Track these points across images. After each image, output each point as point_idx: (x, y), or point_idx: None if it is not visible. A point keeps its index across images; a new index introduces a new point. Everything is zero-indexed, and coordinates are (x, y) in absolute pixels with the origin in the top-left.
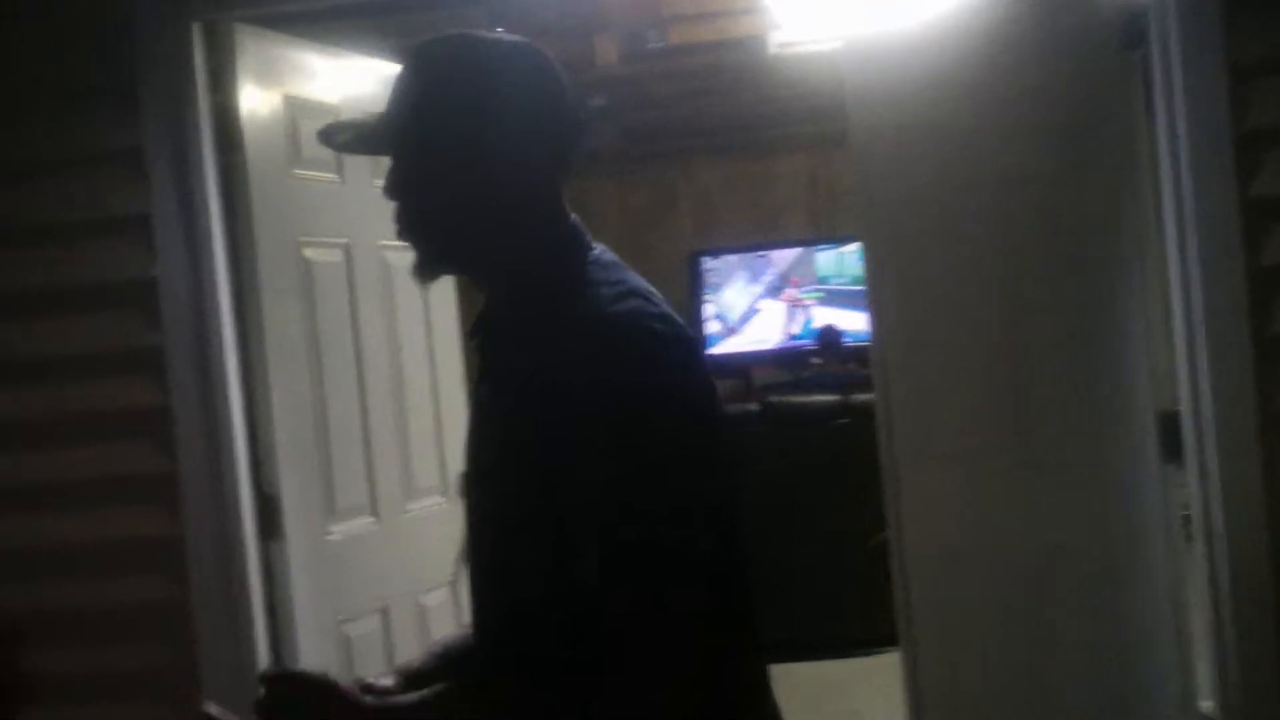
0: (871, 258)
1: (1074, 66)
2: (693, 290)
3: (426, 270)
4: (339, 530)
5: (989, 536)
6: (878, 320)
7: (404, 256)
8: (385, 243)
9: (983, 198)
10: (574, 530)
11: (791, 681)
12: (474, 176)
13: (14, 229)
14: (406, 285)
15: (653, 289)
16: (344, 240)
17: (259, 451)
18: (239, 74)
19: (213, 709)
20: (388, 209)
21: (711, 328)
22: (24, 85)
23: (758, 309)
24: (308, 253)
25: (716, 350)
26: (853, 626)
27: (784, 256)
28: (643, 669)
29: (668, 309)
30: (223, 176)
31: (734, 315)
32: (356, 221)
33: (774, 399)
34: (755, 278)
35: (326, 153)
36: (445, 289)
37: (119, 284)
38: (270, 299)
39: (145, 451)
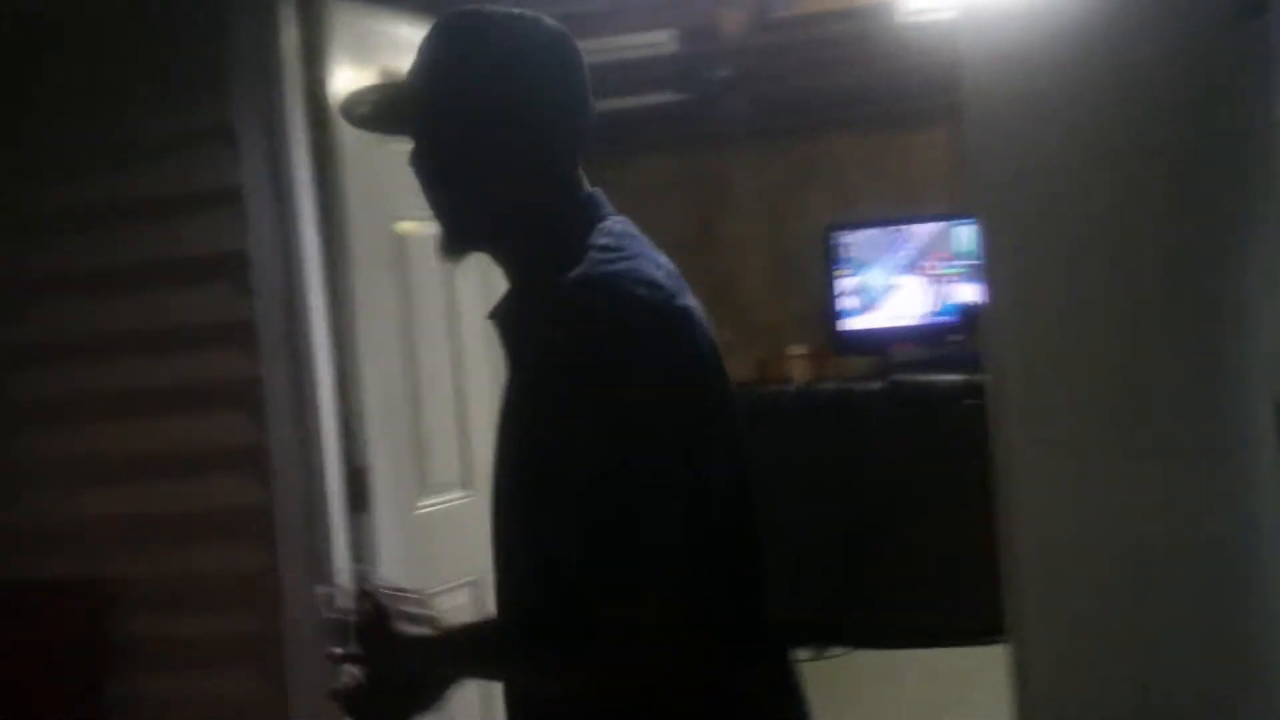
0: (985, 235)
1: (1195, 34)
2: (828, 265)
3: (449, 249)
4: (430, 504)
5: (1101, 526)
6: (992, 300)
7: None
8: None
9: (1100, 172)
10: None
11: (911, 669)
12: (488, 153)
13: (108, 206)
14: None
15: (659, 259)
16: None
17: (348, 424)
18: (332, 48)
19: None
20: None
21: (848, 303)
22: (117, 63)
23: (896, 284)
24: (401, 227)
25: (852, 326)
26: (978, 613)
27: (923, 231)
28: (602, 646)
29: (662, 278)
30: (315, 152)
31: (872, 291)
32: None
33: (899, 378)
34: (893, 253)
35: None
36: None
37: (211, 258)
38: (362, 273)
39: (237, 422)
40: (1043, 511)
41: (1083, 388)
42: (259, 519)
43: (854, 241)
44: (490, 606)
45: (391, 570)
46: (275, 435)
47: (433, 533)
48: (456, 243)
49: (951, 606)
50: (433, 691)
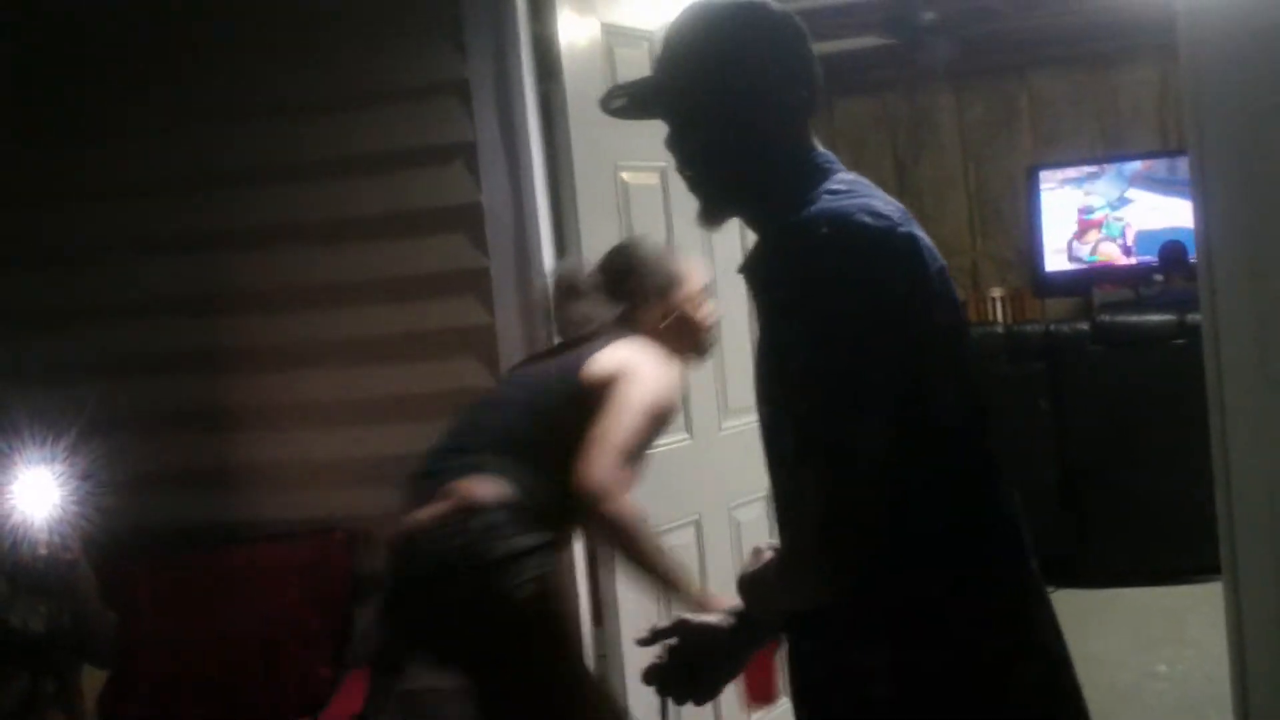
0: (1201, 169)
1: None
2: (1030, 205)
3: (706, 217)
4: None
5: None
6: (1206, 235)
7: None
8: None
9: None
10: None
11: (1122, 606)
12: (728, 132)
13: (350, 160)
14: None
15: (890, 200)
16: (660, 164)
17: None
18: (558, 3)
19: None
20: None
21: (1050, 242)
22: (357, 24)
23: (1098, 225)
24: (624, 176)
25: (1053, 267)
26: (1186, 553)
27: (1127, 170)
28: (802, 555)
29: (888, 210)
30: (542, 104)
31: (1074, 231)
32: None
33: (1106, 318)
34: (1096, 192)
35: None
36: None
37: (447, 209)
38: (587, 222)
39: (472, 369)
40: (1261, 449)
41: None
42: None
43: (1058, 180)
44: (709, 546)
45: None
46: None
47: (657, 473)
48: (712, 211)
49: (1166, 545)
50: (734, 660)
